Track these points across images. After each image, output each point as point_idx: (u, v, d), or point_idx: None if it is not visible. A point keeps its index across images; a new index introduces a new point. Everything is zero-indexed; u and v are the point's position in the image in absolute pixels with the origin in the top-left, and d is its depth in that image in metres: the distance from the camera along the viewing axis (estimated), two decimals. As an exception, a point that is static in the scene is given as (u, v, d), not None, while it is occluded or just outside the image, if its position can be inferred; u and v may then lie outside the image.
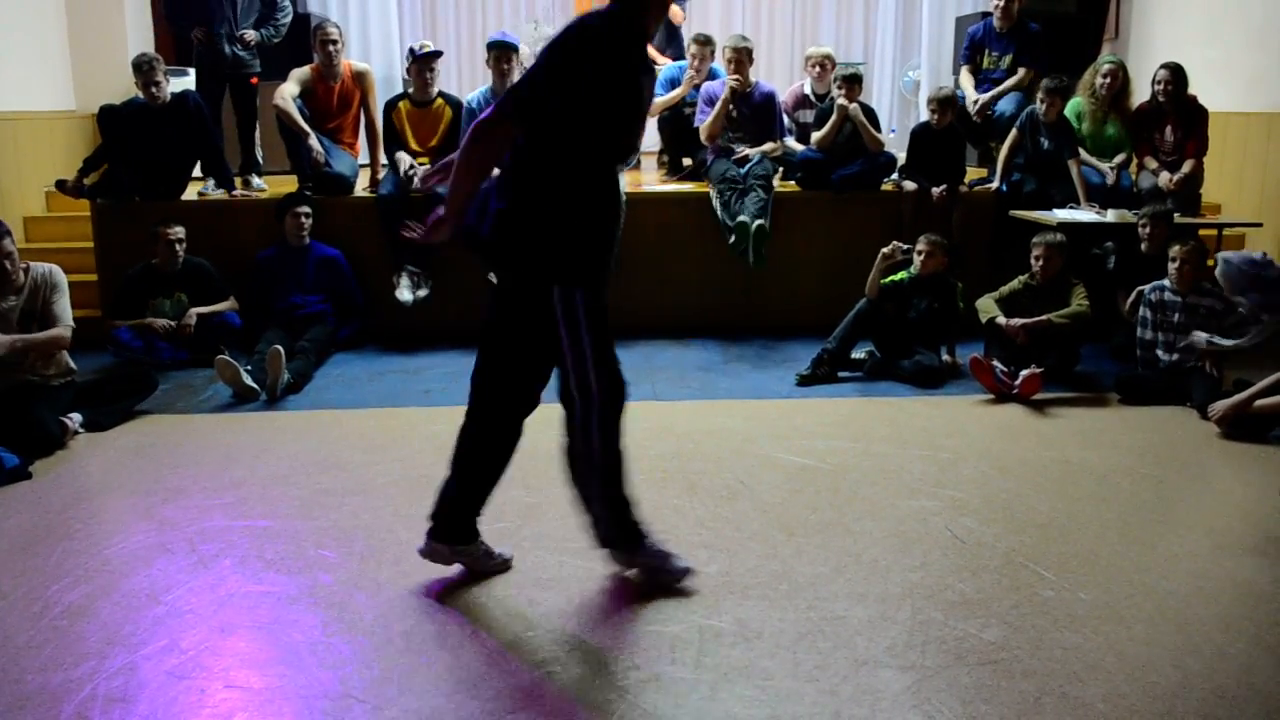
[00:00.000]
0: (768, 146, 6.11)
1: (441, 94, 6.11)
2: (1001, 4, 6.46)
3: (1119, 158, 6.13)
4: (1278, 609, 2.83)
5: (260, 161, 6.74)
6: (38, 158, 6.75)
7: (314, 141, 5.87)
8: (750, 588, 2.94)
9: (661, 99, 6.70)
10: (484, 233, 2.70)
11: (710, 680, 2.48)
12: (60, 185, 5.80)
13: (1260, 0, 6.78)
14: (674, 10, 6.50)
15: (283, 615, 2.81)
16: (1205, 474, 3.90)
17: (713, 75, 6.54)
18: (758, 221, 5.56)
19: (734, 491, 3.65)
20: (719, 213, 5.84)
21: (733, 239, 5.64)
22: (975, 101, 6.53)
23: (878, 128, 6.17)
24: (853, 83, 6.03)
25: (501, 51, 5.89)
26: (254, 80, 6.49)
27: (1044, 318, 4.96)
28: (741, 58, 6.05)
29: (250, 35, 6.29)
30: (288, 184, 6.26)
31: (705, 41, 6.58)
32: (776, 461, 3.97)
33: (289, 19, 6.57)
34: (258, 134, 6.82)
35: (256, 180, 6.33)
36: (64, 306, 4.38)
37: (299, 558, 3.16)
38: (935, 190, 5.99)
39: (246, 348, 5.31)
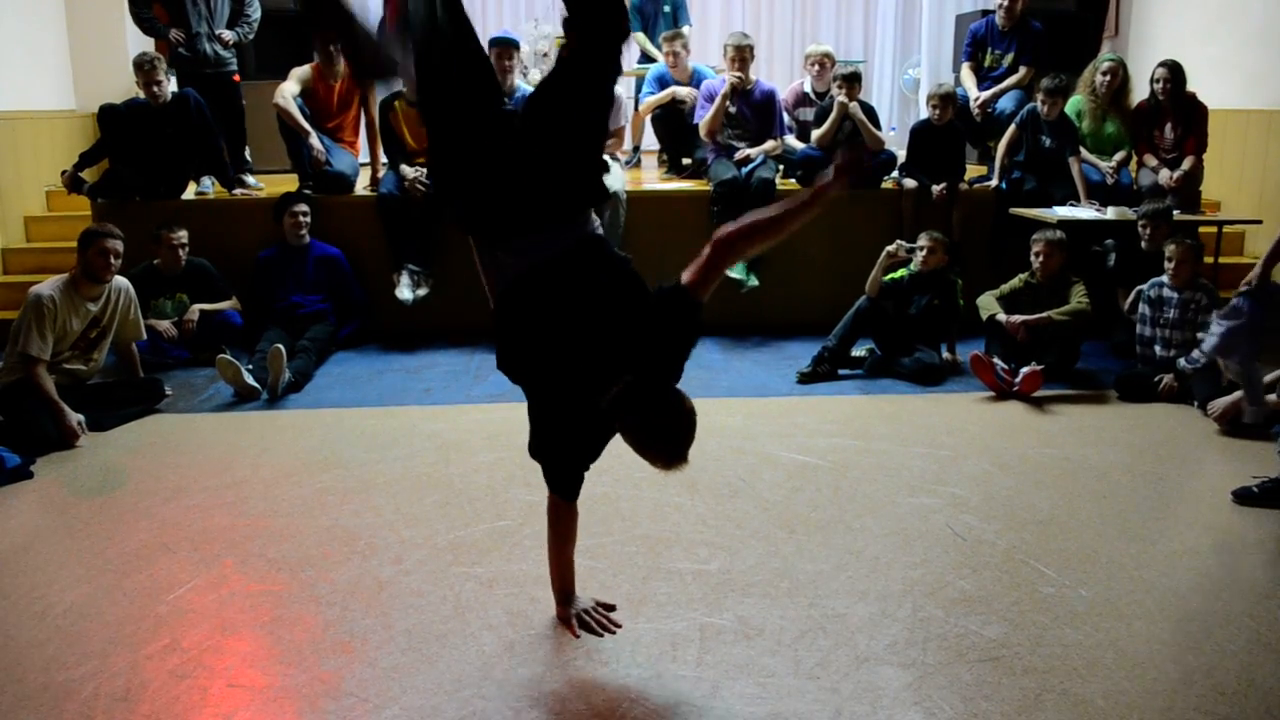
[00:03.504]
0: (769, 145, 6.11)
1: None
2: (1005, 2, 6.45)
3: (1119, 155, 6.13)
4: (1278, 606, 2.84)
5: (249, 160, 6.72)
6: (38, 158, 6.75)
7: (315, 141, 5.88)
8: (751, 585, 2.95)
9: (651, 99, 6.72)
10: None
11: (712, 678, 2.48)
12: (62, 173, 5.83)
13: (1260, -3, 6.79)
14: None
15: (285, 614, 2.82)
16: (1205, 471, 3.90)
17: (698, 77, 6.59)
18: (750, 284, 5.81)
19: (735, 489, 3.65)
20: (714, 220, 5.85)
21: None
22: (976, 99, 6.53)
23: (878, 126, 6.17)
24: (852, 81, 6.03)
25: (503, 49, 5.89)
26: (236, 78, 6.48)
27: (1044, 315, 4.96)
28: (744, 54, 6.06)
29: (227, 35, 6.29)
30: (286, 183, 6.26)
31: (674, 37, 6.67)
32: (777, 459, 3.97)
33: (259, 16, 6.54)
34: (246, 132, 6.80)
35: (251, 179, 6.32)
36: (139, 314, 4.78)
37: (301, 556, 3.16)
38: (935, 188, 5.99)
39: (248, 347, 5.32)
